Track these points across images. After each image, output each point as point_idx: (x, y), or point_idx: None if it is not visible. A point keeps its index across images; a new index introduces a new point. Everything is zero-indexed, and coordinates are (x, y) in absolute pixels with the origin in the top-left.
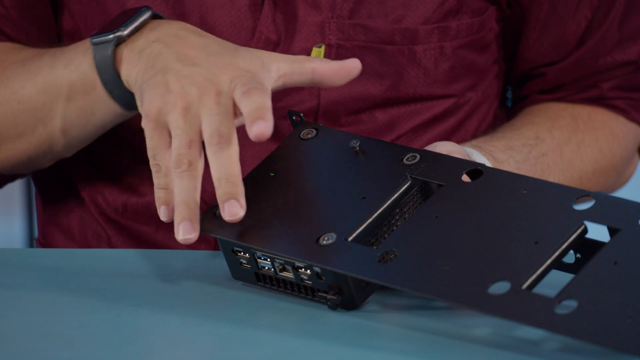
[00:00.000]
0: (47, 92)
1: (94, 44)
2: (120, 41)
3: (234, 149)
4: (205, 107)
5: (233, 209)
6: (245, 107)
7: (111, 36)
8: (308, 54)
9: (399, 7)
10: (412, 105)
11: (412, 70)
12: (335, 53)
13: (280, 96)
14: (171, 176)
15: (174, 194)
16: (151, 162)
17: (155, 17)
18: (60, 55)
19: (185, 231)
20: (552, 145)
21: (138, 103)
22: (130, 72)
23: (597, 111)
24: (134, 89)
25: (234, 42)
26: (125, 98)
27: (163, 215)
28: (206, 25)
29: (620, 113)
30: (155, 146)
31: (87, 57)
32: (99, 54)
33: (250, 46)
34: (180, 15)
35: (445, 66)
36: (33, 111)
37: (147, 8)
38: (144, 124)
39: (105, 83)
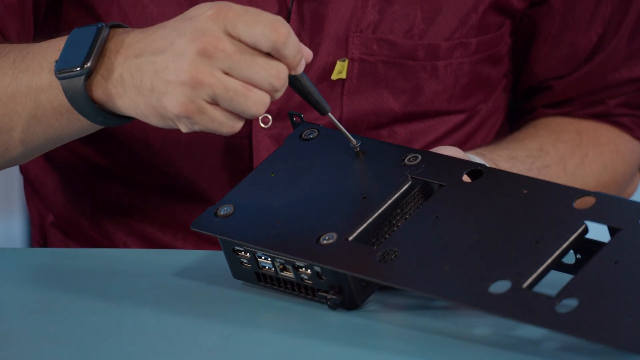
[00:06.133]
0: (8, 102)
1: (60, 78)
2: (89, 73)
3: None
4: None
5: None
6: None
7: (78, 69)
8: (332, 67)
9: (421, 22)
10: (430, 120)
11: (432, 85)
12: (358, 67)
13: (301, 110)
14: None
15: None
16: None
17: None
18: (23, 65)
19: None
20: (556, 158)
21: (155, 106)
22: (123, 103)
23: (602, 127)
24: (138, 111)
25: None
26: (110, 121)
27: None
28: None
29: (625, 130)
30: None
31: (57, 82)
32: (69, 88)
33: None
34: None
35: (464, 81)
36: None
37: (99, 25)
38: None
39: (83, 112)
